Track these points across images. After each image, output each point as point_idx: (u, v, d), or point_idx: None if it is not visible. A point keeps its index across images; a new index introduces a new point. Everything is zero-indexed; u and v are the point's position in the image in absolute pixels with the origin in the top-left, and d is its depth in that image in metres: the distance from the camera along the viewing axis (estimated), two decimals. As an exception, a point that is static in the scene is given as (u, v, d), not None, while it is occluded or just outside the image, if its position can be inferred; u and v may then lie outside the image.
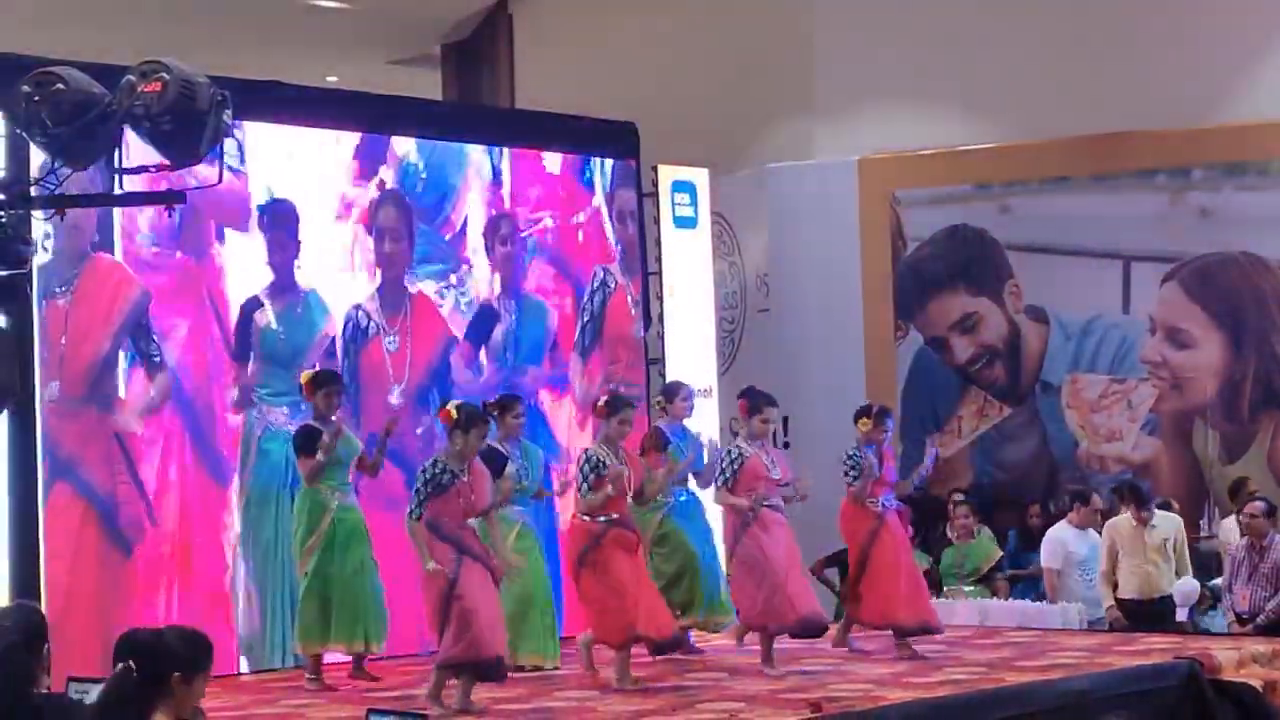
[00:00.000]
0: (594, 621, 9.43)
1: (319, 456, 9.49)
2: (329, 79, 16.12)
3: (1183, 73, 12.95)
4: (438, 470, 8.58)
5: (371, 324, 10.96)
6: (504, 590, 9.05)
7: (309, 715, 8.64)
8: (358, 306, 10.90)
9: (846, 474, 10.19)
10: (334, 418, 9.67)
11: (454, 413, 8.69)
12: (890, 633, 10.21)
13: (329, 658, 9.68)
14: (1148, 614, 11.27)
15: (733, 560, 9.89)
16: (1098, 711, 8.52)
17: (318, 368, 10.25)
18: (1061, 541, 11.82)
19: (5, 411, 7.93)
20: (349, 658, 9.73)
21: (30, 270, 7.65)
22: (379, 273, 11.05)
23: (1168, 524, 11.43)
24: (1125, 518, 11.47)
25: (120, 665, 4.89)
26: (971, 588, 12.30)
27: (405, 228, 11.19)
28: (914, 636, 10.15)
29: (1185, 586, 11.38)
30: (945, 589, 12.30)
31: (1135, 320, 13.14)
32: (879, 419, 10.26)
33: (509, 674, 8.82)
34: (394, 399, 10.92)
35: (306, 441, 9.59)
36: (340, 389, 9.86)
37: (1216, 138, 12.88)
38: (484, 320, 11.50)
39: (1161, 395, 13.03)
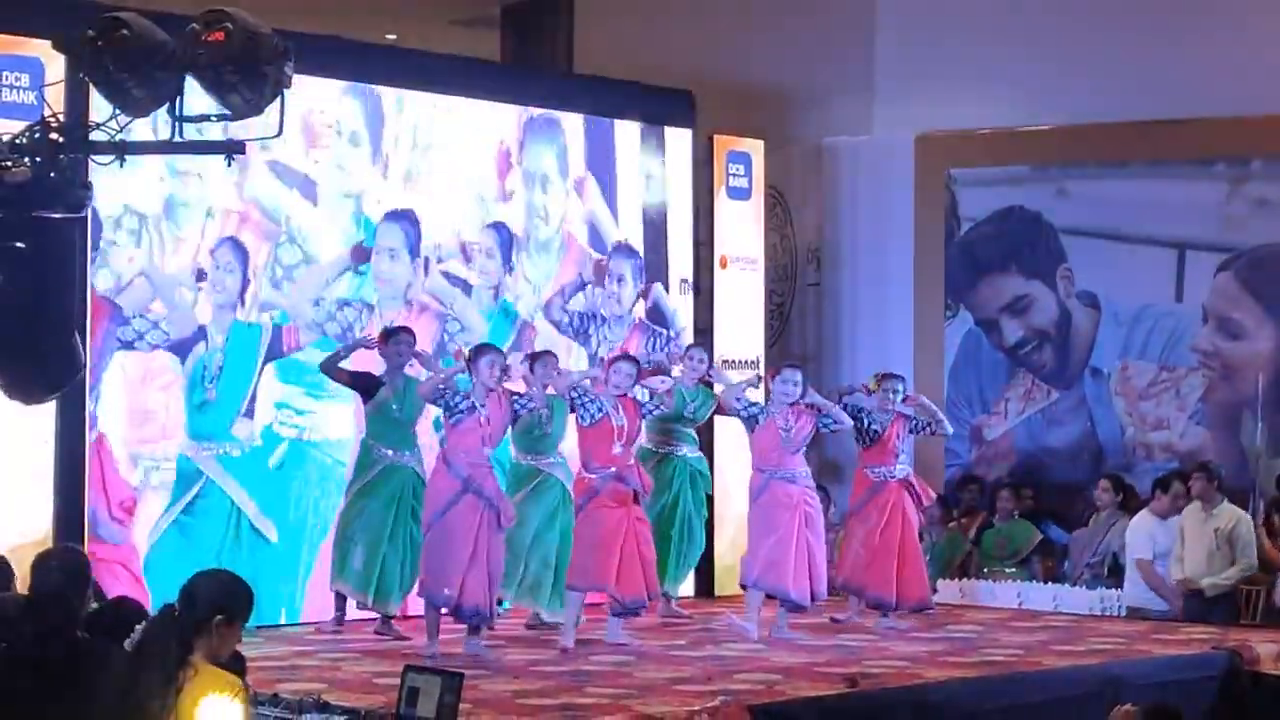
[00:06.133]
0: (571, 563, 9.72)
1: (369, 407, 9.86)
2: (388, 37, 16.12)
3: (1245, 61, 12.80)
4: (458, 399, 9.01)
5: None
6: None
7: (345, 669, 8.69)
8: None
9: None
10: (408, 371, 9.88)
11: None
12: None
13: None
14: (1197, 601, 11.17)
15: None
16: (1137, 699, 8.45)
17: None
18: (1149, 533, 11.48)
19: None
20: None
21: (86, 216, 7.66)
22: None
23: (1226, 514, 11.31)
24: (1194, 505, 11.33)
25: (163, 606, 4.95)
26: (1012, 570, 12.27)
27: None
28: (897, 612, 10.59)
29: None
30: (986, 570, 12.27)
31: (1188, 309, 13.05)
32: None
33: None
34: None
35: (368, 389, 9.89)
36: (410, 342, 9.92)
37: (1277, 128, 12.76)
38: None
39: (1211, 385, 12.93)
